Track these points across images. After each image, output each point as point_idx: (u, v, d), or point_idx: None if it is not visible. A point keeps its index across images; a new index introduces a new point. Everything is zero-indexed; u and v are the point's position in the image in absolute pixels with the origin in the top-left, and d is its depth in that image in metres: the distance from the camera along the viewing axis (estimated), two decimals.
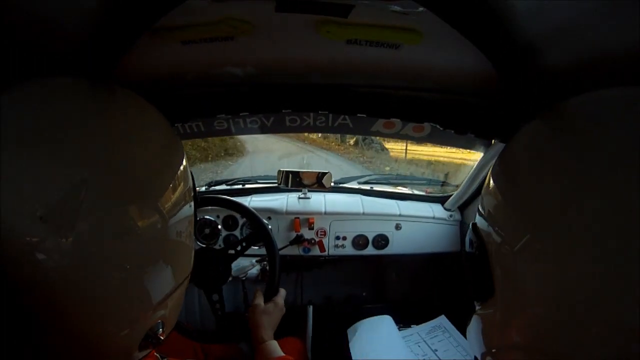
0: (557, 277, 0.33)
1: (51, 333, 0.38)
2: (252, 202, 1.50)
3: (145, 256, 0.42)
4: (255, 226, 1.01)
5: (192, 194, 0.52)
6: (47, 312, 0.36)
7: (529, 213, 0.37)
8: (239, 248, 1.00)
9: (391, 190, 1.69)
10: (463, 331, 1.00)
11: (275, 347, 0.83)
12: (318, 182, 1.50)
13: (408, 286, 1.67)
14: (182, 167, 0.49)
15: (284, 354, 0.81)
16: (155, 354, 0.57)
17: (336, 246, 1.48)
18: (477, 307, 0.46)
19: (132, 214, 0.40)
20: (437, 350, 1.20)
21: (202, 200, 1.05)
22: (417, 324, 1.35)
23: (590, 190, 0.32)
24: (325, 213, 1.48)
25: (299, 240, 1.43)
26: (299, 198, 1.54)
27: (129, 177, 0.41)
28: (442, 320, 1.32)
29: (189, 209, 0.50)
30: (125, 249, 0.39)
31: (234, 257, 1.00)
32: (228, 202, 1.04)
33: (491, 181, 0.47)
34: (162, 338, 0.46)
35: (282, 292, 0.96)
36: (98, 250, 0.37)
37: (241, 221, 1.44)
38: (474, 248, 0.43)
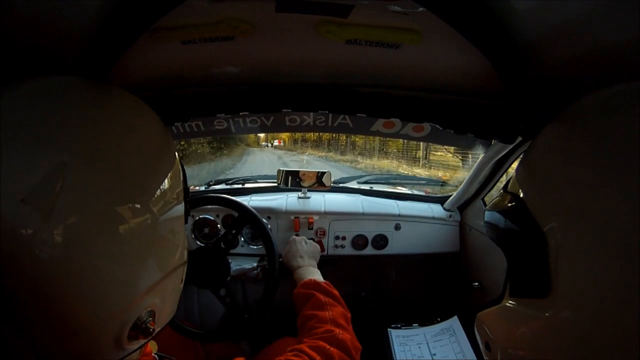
0: (585, 271, 0.32)
1: (36, 321, 0.38)
2: (252, 201, 1.50)
3: (128, 245, 0.41)
4: (254, 225, 1.01)
5: (183, 185, 0.52)
6: (30, 300, 0.36)
7: (557, 213, 0.36)
8: (229, 237, 1.00)
9: (391, 190, 1.69)
10: (470, 333, 0.98)
11: (301, 273, 0.81)
12: (318, 182, 1.50)
13: (407, 286, 1.67)
14: (172, 164, 0.50)
15: (314, 277, 0.78)
16: (153, 354, 0.57)
17: (335, 246, 1.49)
18: (513, 303, 0.42)
19: (117, 204, 0.40)
20: (435, 355, 1.20)
21: (201, 199, 1.05)
22: (418, 323, 1.36)
23: (618, 184, 0.32)
24: (325, 213, 1.48)
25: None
26: (299, 198, 1.54)
27: (114, 171, 0.41)
28: (453, 322, 1.31)
29: (177, 200, 0.50)
30: (107, 238, 0.39)
31: (228, 249, 1.00)
32: (226, 201, 1.04)
33: (516, 183, 0.46)
34: (152, 328, 0.45)
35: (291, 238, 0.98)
36: (78, 238, 0.37)
37: None
38: (521, 235, 0.39)
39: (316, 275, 0.80)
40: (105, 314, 0.40)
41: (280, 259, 0.95)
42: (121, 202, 0.40)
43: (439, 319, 1.34)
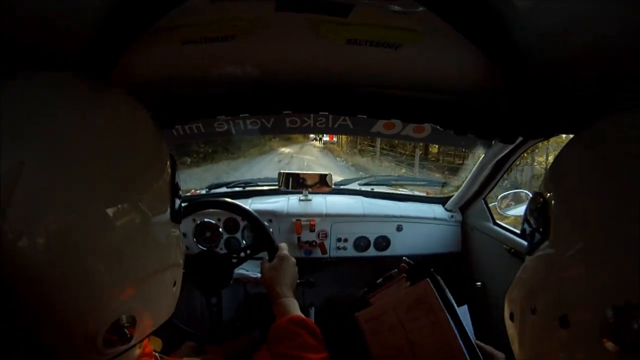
0: (600, 281, 0.33)
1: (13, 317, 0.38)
2: (253, 204, 1.50)
3: (105, 237, 0.41)
4: (255, 226, 1.00)
5: (170, 184, 0.52)
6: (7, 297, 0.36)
7: (584, 222, 0.37)
8: (242, 255, 0.98)
9: (392, 192, 1.69)
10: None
11: (288, 304, 0.78)
12: (319, 184, 1.50)
13: None
14: (159, 161, 0.50)
15: (299, 313, 0.76)
16: (154, 352, 0.56)
17: (337, 248, 1.48)
18: (529, 258, 0.47)
19: (93, 198, 0.40)
20: None
21: (202, 203, 1.04)
22: None
23: None
24: (327, 215, 1.48)
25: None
26: (300, 200, 1.54)
27: (91, 165, 0.41)
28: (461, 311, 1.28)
29: (163, 203, 0.50)
30: (81, 231, 0.39)
31: (237, 264, 0.99)
32: (228, 205, 1.03)
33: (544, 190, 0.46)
34: (130, 334, 0.44)
35: (282, 244, 0.93)
36: (47, 228, 0.37)
37: (242, 224, 1.43)
38: (537, 205, 0.46)
39: (298, 311, 0.77)
40: (74, 309, 0.40)
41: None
42: (98, 196, 0.40)
43: None
